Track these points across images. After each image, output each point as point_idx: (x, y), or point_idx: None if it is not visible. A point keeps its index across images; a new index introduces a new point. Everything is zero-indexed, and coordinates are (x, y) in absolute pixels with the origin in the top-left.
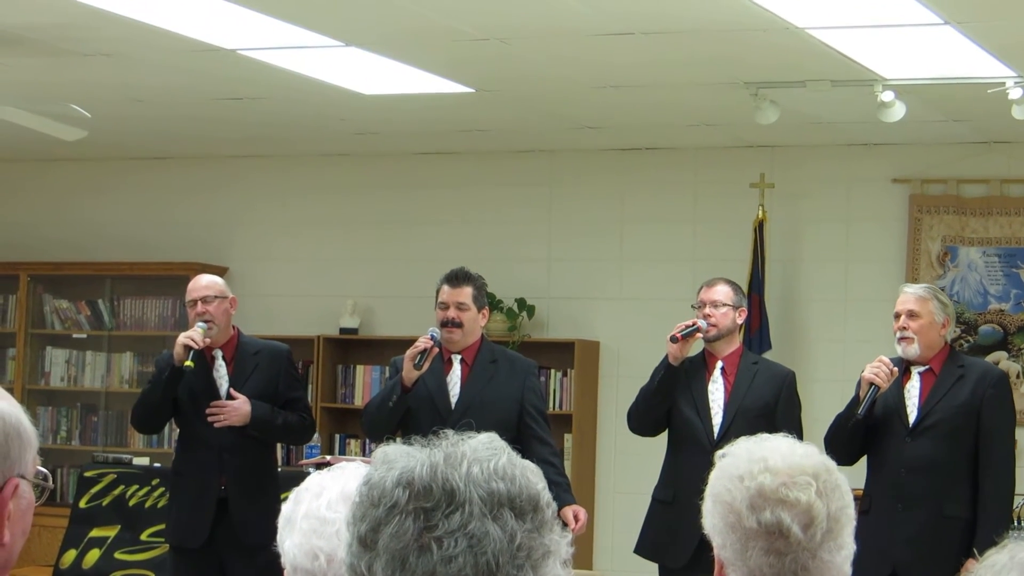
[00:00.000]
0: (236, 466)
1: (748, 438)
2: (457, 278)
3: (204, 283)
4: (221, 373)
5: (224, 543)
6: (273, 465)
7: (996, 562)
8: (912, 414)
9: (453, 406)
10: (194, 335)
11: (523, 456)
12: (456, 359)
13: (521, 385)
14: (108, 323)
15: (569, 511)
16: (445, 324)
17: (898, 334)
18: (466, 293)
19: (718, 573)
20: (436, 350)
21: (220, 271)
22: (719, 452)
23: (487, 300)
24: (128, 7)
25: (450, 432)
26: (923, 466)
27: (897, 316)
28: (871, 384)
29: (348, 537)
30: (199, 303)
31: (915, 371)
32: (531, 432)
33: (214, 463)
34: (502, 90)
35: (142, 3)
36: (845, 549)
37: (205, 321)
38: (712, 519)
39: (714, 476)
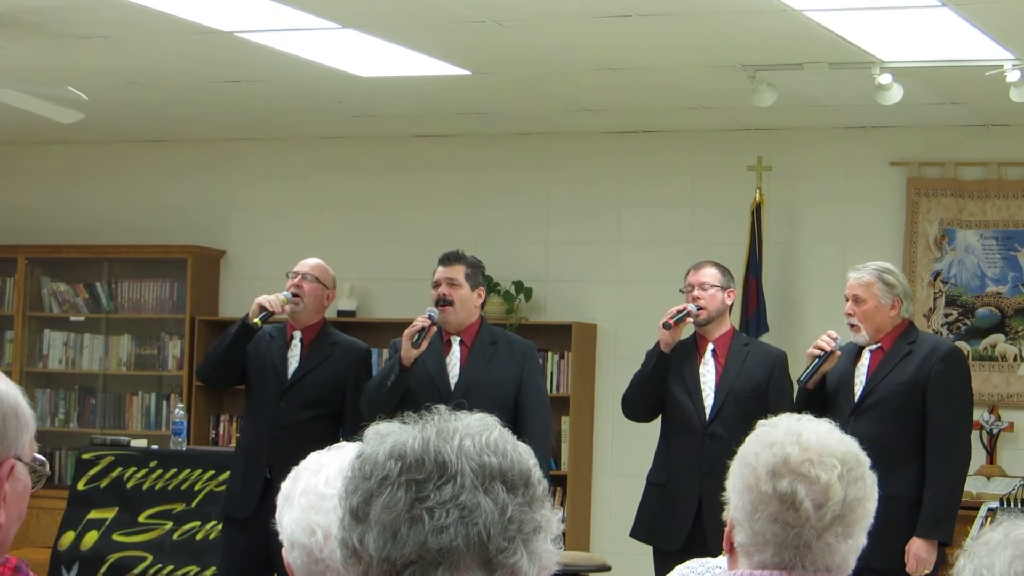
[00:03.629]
0: (287, 446)
1: (791, 415)
2: (449, 258)
3: (311, 263)
4: (294, 354)
5: (269, 521)
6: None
7: (990, 540)
8: (858, 393)
9: (453, 387)
10: (273, 299)
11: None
12: (455, 340)
13: (520, 367)
14: (106, 306)
15: None
16: (438, 302)
17: (846, 320)
18: (457, 271)
19: (727, 533)
20: (434, 329)
21: (218, 254)
22: (761, 421)
23: (483, 281)
24: None
25: (443, 408)
26: (864, 446)
27: (846, 300)
28: (816, 356)
29: (340, 511)
30: (298, 276)
31: (867, 350)
32: (522, 416)
33: (267, 439)
34: (500, 72)
35: None
36: (853, 540)
37: (294, 295)
38: (733, 479)
39: (748, 440)
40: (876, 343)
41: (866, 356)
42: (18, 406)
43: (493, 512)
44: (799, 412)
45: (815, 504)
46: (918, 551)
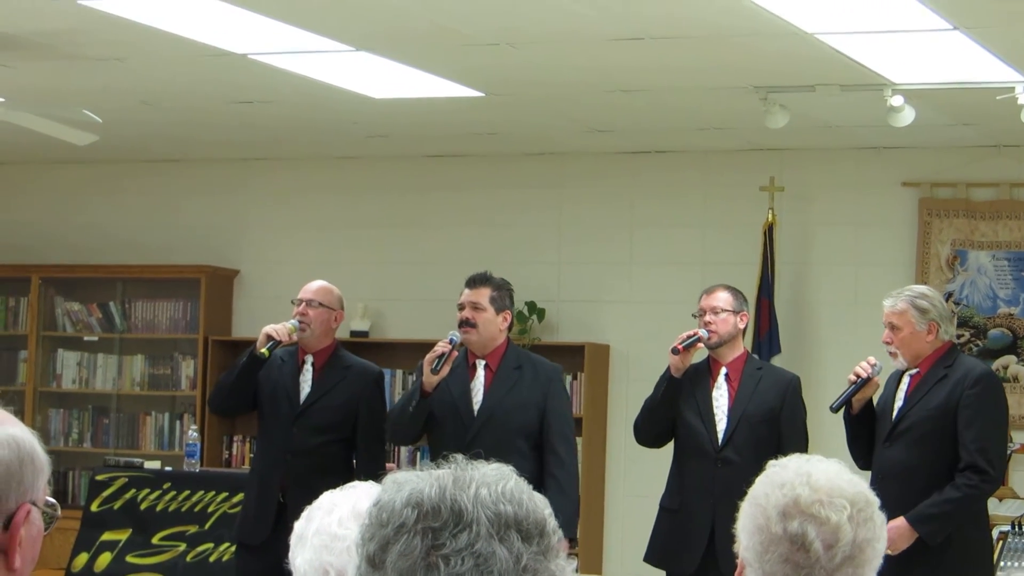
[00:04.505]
0: (300, 471)
1: (802, 455)
2: (475, 280)
3: (315, 287)
4: (307, 378)
5: (283, 548)
6: (343, 475)
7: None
8: (894, 418)
9: (476, 413)
10: (280, 328)
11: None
12: (480, 364)
13: (545, 391)
14: (119, 325)
15: None
16: (461, 325)
17: (886, 348)
18: (483, 294)
19: (738, 574)
20: (456, 354)
21: (231, 274)
22: (771, 461)
23: (510, 304)
24: (139, 12)
25: (460, 457)
26: (895, 472)
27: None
28: (852, 382)
29: (357, 559)
30: (303, 303)
31: (907, 374)
32: (546, 441)
33: (279, 465)
34: (512, 94)
35: (153, 8)
36: None
37: (299, 322)
38: (743, 519)
39: (759, 480)
40: (915, 367)
41: (906, 381)
42: (34, 452)
43: (508, 561)
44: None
45: (825, 545)
46: (892, 529)
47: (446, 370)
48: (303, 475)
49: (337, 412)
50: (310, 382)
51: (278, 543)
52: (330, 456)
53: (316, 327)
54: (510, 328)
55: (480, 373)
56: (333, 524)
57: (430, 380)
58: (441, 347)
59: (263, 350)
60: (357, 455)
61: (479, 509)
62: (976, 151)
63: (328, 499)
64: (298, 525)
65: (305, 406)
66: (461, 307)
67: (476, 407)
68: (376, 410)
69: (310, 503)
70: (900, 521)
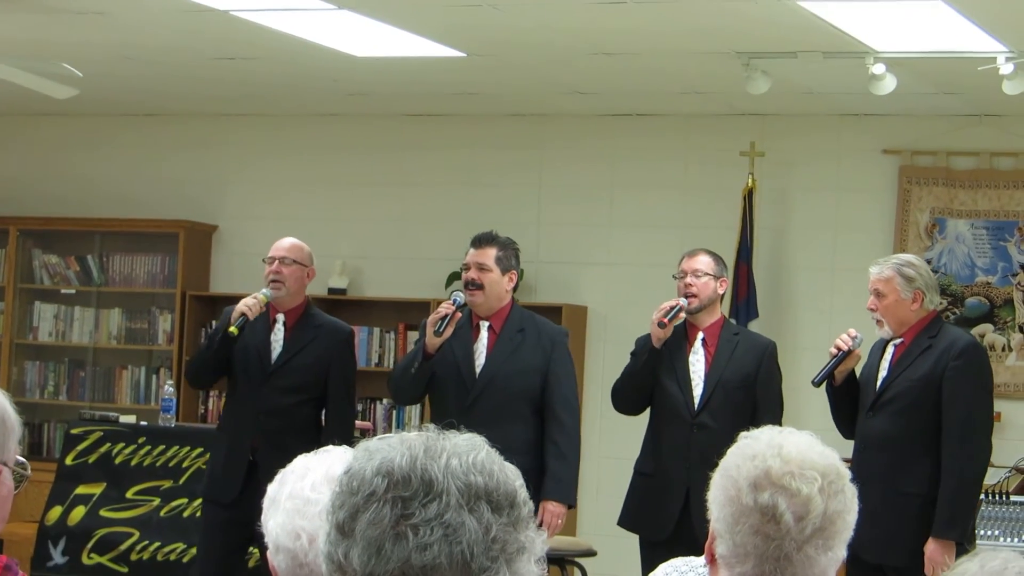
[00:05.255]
0: (271, 430)
1: (774, 427)
2: (481, 240)
3: (287, 244)
4: (278, 338)
5: (252, 506)
6: (313, 434)
7: (967, 571)
8: (878, 389)
9: (477, 375)
10: (253, 304)
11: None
12: (484, 326)
13: (548, 355)
14: (97, 279)
15: (545, 508)
16: (467, 286)
17: (871, 316)
18: (488, 254)
19: (709, 544)
20: (459, 316)
21: (210, 229)
22: (743, 433)
23: (516, 264)
24: None
25: (432, 427)
26: (878, 442)
27: (870, 295)
28: (833, 355)
29: (327, 526)
30: (276, 261)
31: (891, 344)
32: (548, 406)
33: (250, 423)
34: (494, 55)
35: None
36: (833, 552)
37: (274, 281)
38: (715, 490)
39: (730, 452)
40: (899, 337)
41: (890, 351)
42: (5, 413)
43: (477, 531)
44: (831, 401)
45: (796, 516)
46: (932, 554)
47: (449, 331)
48: (275, 434)
49: (308, 372)
50: (281, 341)
51: (247, 502)
52: (301, 416)
53: (291, 284)
54: (515, 288)
55: (484, 335)
56: (306, 488)
57: (433, 342)
58: (445, 308)
59: (233, 328)
60: (326, 415)
61: (449, 479)
62: (957, 120)
63: (302, 463)
64: (271, 488)
65: (276, 366)
66: (466, 267)
67: (478, 370)
68: (346, 370)
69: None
70: (932, 543)
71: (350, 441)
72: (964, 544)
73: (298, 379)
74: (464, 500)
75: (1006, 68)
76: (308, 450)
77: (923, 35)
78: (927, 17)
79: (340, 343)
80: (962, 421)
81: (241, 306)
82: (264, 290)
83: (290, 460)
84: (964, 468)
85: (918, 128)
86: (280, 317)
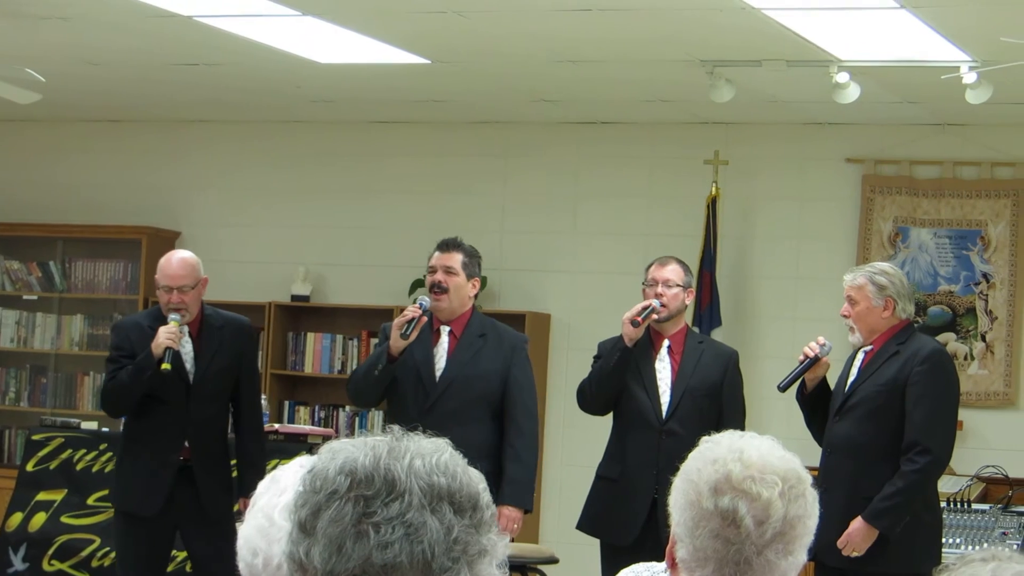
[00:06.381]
0: (200, 437)
1: (735, 432)
2: (448, 244)
3: (179, 272)
4: (187, 349)
5: (184, 514)
6: (227, 436)
7: (976, 574)
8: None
9: (437, 378)
10: (173, 335)
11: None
12: (445, 331)
13: (508, 360)
14: (59, 285)
15: (501, 513)
16: (432, 288)
17: (844, 322)
18: (455, 259)
19: (670, 548)
20: (425, 319)
21: (173, 236)
22: (704, 437)
23: (479, 271)
24: None
25: (397, 428)
26: (843, 447)
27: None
28: (802, 361)
29: (288, 526)
30: (175, 292)
31: (862, 351)
32: (507, 411)
33: (177, 432)
34: (458, 62)
35: None
36: (793, 556)
37: (178, 311)
38: (676, 494)
39: (691, 456)
40: (870, 344)
41: (860, 357)
42: None
43: (439, 532)
44: (803, 410)
45: (756, 521)
46: (853, 533)
47: (415, 335)
48: (204, 443)
49: (225, 376)
50: (191, 353)
51: (175, 513)
52: (223, 417)
53: (194, 308)
54: (476, 295)
55: (444, 339)
56: (276, 510)
57: (398, 345)
58: (411, 312)
59: (165, 364)
60: (240, 409)
61: (412, 479)
62: (920, 129)
63: (286, 479)
64: (261, 485)
65: (196, 380)
66: (432, 270)
67: (438, 373)
68: (255, 362)
69: (214, 464)
70: (858, 522)
71: (262, 429)
72: (888, 538)
73: (218, 385)
74: (426, 500)
75: (969, 77)
76: (228, 445)
77: (887, 44)
78: (891, 26)
79: (246, 338)
80: (920, 426)
81: (164, 340)
82: (173, 315)
83: (220, 462)
84: (917, 476)
85: (881, 137)
86: (184, 329)
